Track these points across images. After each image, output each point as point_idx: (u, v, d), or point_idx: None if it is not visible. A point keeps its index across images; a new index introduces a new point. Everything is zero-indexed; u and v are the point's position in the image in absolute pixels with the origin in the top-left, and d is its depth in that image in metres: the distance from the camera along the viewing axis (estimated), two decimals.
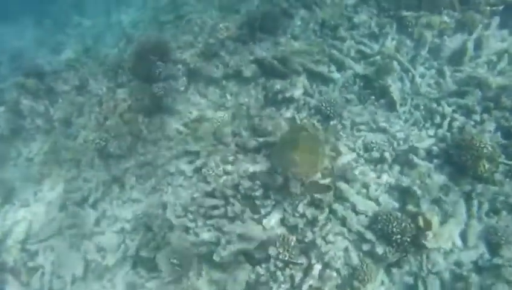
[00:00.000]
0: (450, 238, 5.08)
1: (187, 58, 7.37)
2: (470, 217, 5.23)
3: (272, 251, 4.83)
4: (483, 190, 5.29)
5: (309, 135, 5.35)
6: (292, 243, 4.86)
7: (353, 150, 5.94)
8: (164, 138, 6.77)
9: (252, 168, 5.48)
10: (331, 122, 6.15)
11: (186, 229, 5.61)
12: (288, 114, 6.39)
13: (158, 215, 5.88)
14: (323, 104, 6.14)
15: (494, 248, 5.05)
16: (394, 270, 5.08)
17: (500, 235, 5.01)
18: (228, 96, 7.07)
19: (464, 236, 5.18)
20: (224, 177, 5.63)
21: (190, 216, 5.59)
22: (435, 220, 4.95)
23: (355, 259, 5.13)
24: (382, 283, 5.11)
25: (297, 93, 6.43)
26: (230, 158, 5.95)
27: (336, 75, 6.71)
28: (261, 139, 5.94)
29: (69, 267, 5.92)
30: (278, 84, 6.42)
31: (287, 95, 6.37)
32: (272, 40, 7.36)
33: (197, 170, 6.10)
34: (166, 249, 5.46)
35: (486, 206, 5.24)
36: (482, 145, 5.04)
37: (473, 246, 5.12)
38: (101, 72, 7.89)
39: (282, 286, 4.88)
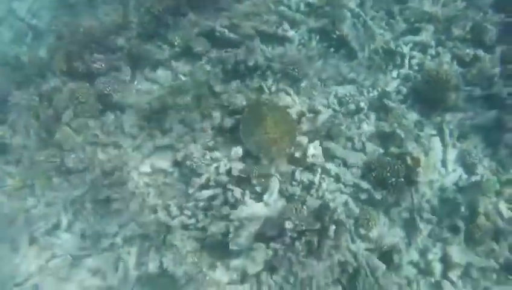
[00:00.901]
0: (435, 169, 5.54)
1: (123, 43, 6.51)
2: (445, 145, 5.72)
3: (288, 224, 4.80)
4: (452, 118, 5.77)
5: (270, 106, 5.23)
6: (305, 213, 4.89)
7: (328, 106, 5.98)
8: (126, 138, 6.11)
9: (241, 150, 5.24)
10: (302, 84, 6.05)
11: (186, 227, 5.33)
12: (255, 84, 6.11)
13: (150, 220, 5.45)
14: (290, 67, 5.96)
15: (469, 168, 5.65)
16: (393, 210, 5.44)
17: (473, 155, 5.59)
18: (182, 77, 6.50)
19: (444, 164, 5.69)
20: (215, 164, 5.33)
21: (188, 213, 5.28)
22: (422, 157, 5.32)
23: (355, 210, 5.37)
24: (384, 223, 5.47)
25: (259, 60, 6.13)
26: (211, 143, 5.62)
27: (291, 33, 6.50)
28: (237, 116, 5.65)
29: None
30: (239, 54, 6.03)
31: (250, 64, 6.05)
32: (213, 7, 6.79)
33: (178, 164, 5.68)
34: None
35: (456, 132, 5.75)
36: (449, 78, 5.40)
37: (452, 171, 5.67)
38: (21, 78, 6.63)
39: (301, 254, 4.97)
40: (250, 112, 5.43)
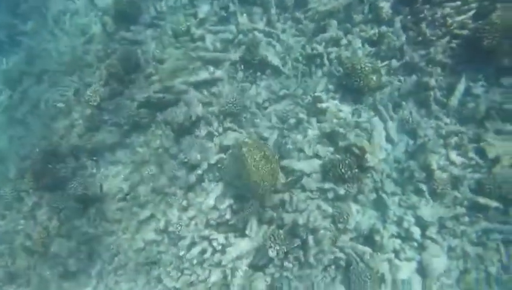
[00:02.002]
0: (382, 148, 6.04)
1: (77, 142, 7.02)
2: (384, 121, 6.21)
3: (271, 252, 5.33)
4: (381, 95, 6.25)
5: (249, 147, 5.40)
6: (282, 236, 5.41)
7: (273, 127, 6.46)
8: (112, 223, 6.63)
9: (211, 201, 5.77)
10: (243, 117, 6.52)
11: (191, 284, 5.87)
12: (203, 132, 6.59)
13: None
14: (227, 105, 6.43)
15: (412, 133, 6.14)
16: (360, 197, 5.95)
17: (410, 121, 6.09)
18: (140, 149, 6.99)
19: (389, 138, 6.18)
20: (193, 222, 5.85)
21: (187, 272, 5.82)
22: (366, 143, 5.81)
23: (329, 209, 5.86)
24: (357, 211, 5.98)
25: (199, 110, 6.61)
26: (184, 203, 6.13)
27: (218, 72, 6.95)
28: (199, 171, 6.16)
29: None
30: (180, 115, 6.51)
31: (193, 118, 6.53)
32: (142, 76, 7.26)
33: (163, 231, 6.20)
34: None
35: (390, 106, 6.23)
36: (363, 66, 5.88)
37: (398, 141, 6.17)
38: (2, 208, 7.19)
39: (294, 269, 5.51)
40: (232, 156, 5.73)
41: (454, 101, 5.94)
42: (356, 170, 5.74)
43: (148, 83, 7.13)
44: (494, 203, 5.56)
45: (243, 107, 6.54)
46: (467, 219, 5.74)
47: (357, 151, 5.80)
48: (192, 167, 6.31)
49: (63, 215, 6.63)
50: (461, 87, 5.95)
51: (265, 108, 6.63)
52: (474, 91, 5.91)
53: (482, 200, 5.64)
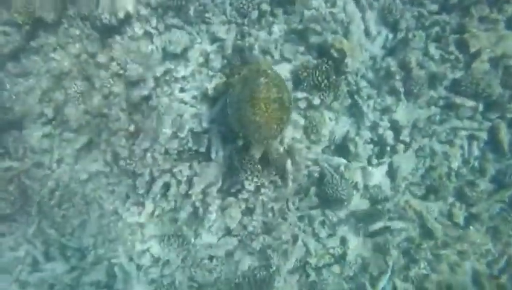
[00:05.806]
0: (362, 47, 5.18)
1: None
2: (362, 11, 5.21)
3: (248, 185, 4.79)
4: None
5: (269, 80, 4.16)
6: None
7: (229, 22, 5.09)
8: (41, 154, 5.41)
9: (168, 130, 4.76)
10: (189, 11, 4.99)
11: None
12: (139, 32, 5.03)
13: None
14: None
15: (392, 26, 5.30)
16: (334, 104, 5.32)
17: (393, 12, 5.17)
18: (55, 56, 5.23)
19: (367, 31, 5.29)
20: (148, 154, 4.91)
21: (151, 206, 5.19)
22: (345, 44, 4.88)
23: (301, 121, 5.22)
24: (330, 119, 5.44)
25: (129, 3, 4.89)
26: (132, 128, 5.04)
27: None
28: (145, 92, 4.89)
29: None
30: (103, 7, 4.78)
31: (121, 15, 4.85)
32: None
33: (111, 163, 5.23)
34: None
35: None
36: None
37: (376, 35, 5.33)
38: None
39: (270, 192, 5.13)
40: (243, 80, 4.34)
41: None
42: (334, 77, 4.94)
43: None
44: (469, 103, 5.35)
45: None
46: (438, 118, 5.56)
47: (335, 54, 4.89)
48: (132, 83, 4.99)
49: None
50: None
51: None
52: None
53: (458, 100, 5.38)
